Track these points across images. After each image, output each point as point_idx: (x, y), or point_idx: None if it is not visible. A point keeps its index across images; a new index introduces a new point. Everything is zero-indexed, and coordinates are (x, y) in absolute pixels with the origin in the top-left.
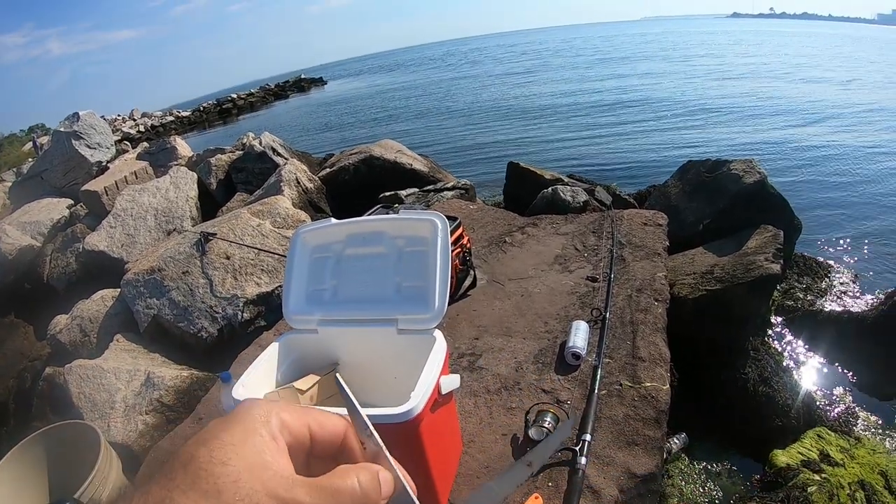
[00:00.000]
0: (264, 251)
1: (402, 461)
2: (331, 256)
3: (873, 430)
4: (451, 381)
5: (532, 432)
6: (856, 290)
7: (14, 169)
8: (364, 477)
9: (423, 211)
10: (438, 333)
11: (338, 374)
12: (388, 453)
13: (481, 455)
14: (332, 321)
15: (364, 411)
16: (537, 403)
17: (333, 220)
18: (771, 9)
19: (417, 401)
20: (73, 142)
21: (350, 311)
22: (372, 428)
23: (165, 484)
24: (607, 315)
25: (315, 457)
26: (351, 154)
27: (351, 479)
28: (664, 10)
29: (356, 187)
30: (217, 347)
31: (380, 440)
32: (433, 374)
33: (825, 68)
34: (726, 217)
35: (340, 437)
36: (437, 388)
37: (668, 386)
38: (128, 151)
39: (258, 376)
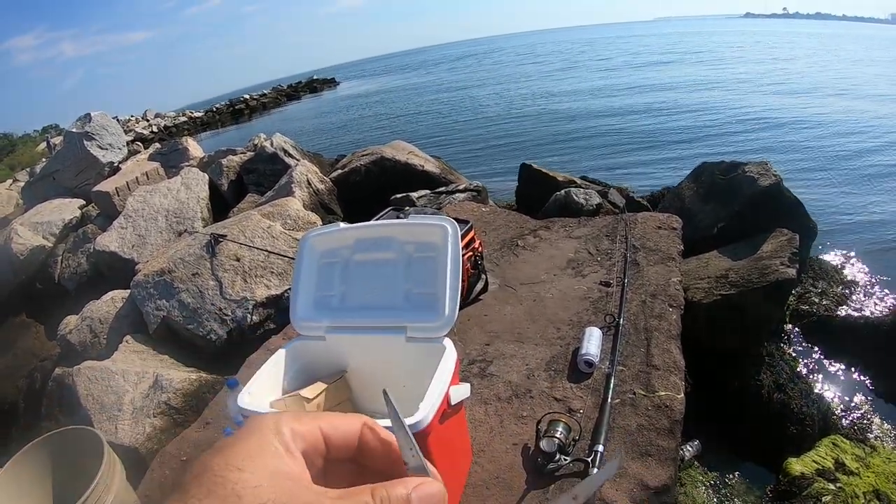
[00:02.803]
0: (274, 253)
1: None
2: (339, 262)
3: (889, 438)
4: (461, 392)
5: (543, 444)
6: (872, 295)
7: (28, 169)
8: (396, 492)
9: (434, 216)
10: (448, 342)
11: (386, 389)
12: (433, 469)
13: (491, 465)
14: (340, 328)
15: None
16: (549, 412)
17: (342, 225)
18: (784, 9)
19: (426, 412)
20: (85, 142)
21: (358, 318)
22: (417, 448)
23: (180, 497)
24: (621, 321)
25: (332, 461)
26: (362, 155)
27: (380, 493)
28: (677, 10)
29: (367, 189)
30: (226, 350)
31: (424, 460)
32: (442, 384)
33: (849, 72)
34: (741, 220)
35: (356, 438)
36: (447, 398)
37: (682, 395)
38: (140, 152)
39: (264, 384)
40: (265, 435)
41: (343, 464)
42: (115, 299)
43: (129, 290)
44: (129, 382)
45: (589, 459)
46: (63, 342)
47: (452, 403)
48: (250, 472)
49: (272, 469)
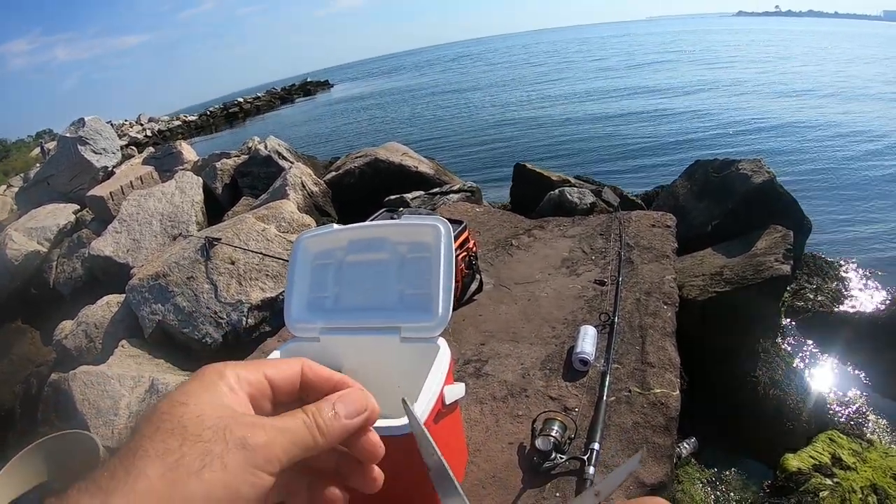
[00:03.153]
0: (269, 256)
1: (404, 474)
2: (332, 263)
3: (886, 432)
4: (456, 391)
5: (539, 443)
6: (867, 289)
7: (22, 174)
8: (324, 406)
9: (427, 216)
10: (442, 342)
11: (405, 398)
12: (452, 474)
13: (487, 465)
14: (334, 329)
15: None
16: (544, 411)
17: (335, 226)
18: (777, 7)
19: (420, 412)
20: (79, 147)
21: (352, 320)
22: (439, 452)
23: (133, 437)
24: (616, 319)
25: (279, 405)
26: (356, 157)
27: (311, 409)
28: (670, 9)
29: (362, 190)
30: (221, 353)
31: (445, 462)
32: (436, 384)
33: (845, 71)
34: (735, 217)
35: (298, 378)
36: (441, 398)
37: (678, 392)
38: (134, 156)
39: None
40: (209, 377)
41: (290, 407)
42: (110, 304)
43: (124, 295)
44: (124, 387)
45: (585, 458)
46: (59, 347)
47: (447, 403)
48: (194, 404)
49: (214, 401)
